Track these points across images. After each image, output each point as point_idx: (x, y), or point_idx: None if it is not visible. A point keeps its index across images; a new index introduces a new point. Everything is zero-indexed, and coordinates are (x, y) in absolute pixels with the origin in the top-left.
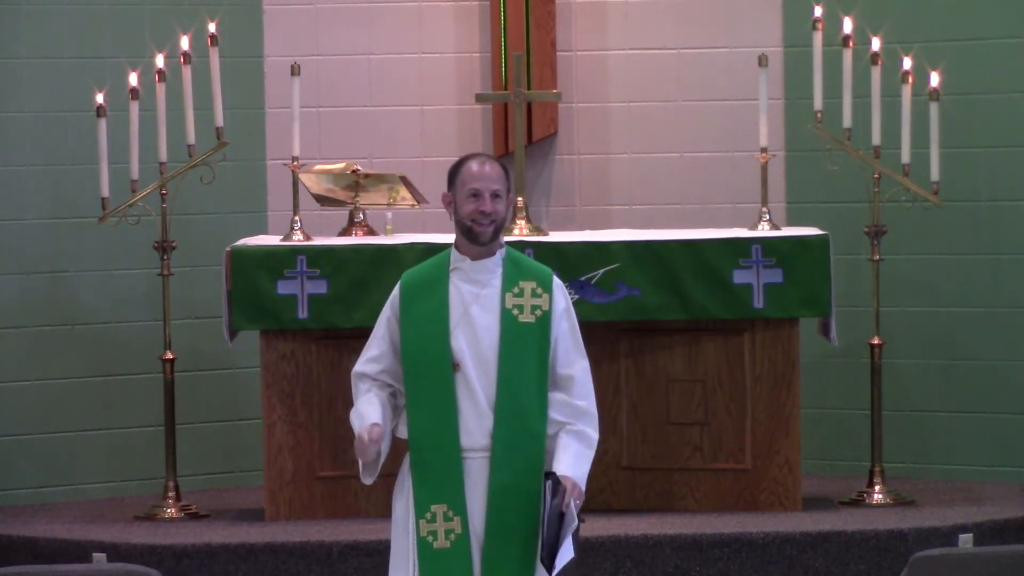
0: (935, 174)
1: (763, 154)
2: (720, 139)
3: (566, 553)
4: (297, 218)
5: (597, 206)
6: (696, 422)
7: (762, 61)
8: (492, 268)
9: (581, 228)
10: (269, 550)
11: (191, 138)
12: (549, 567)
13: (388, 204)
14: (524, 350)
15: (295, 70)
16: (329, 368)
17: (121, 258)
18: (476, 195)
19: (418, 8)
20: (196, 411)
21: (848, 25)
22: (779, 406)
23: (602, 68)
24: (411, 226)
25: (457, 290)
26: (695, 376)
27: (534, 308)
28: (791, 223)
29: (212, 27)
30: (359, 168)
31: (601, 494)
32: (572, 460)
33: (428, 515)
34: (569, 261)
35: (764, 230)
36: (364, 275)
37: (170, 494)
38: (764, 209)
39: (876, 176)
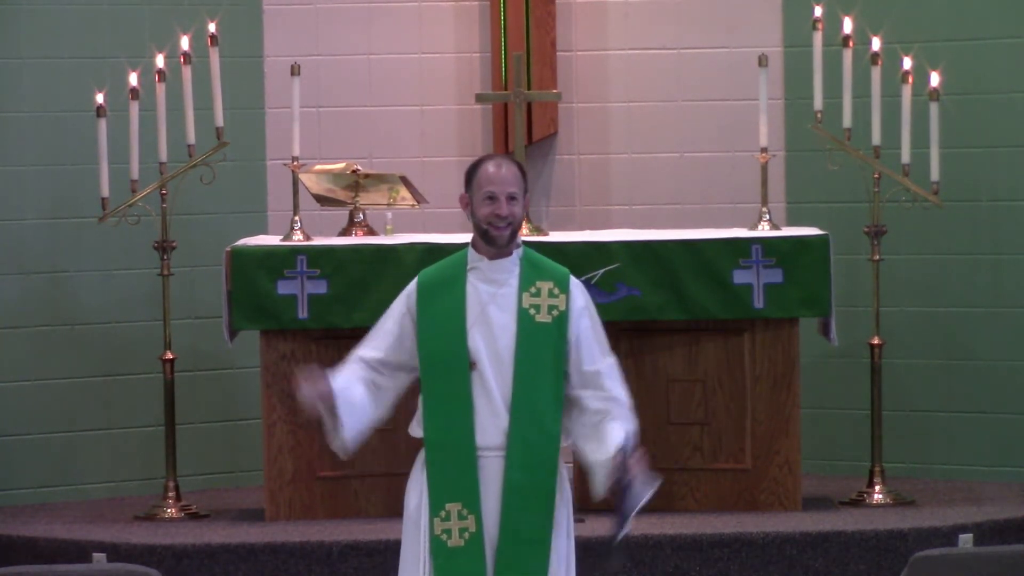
0: (935, 174)
1: (763, 154)
2: (720, 139)
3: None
4: (297, 218)
5: (597, 206)
6: (696, 422)
7: (762, 61)
8: (509, 268)
9: (581, 228)
10: (269, 550)
11: (191, 138)
12: (619, 531)
13: (388, 204)
14: (540, 350)
15: (295, 70)
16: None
17: (121, 258)
18: (492, 198)
19: (418, 8)
20: (196, 411)
21: (848, 25)
22: (779, 406)
23: (602, 68)
24: (411, 226)
25: (474, 289)
26: (695, 376)
27: (551, 308)
28: (791, 223)
29: (212, 27)
30: (359, 168)
31: None
32: (624, 435)
33: (443, 513)
34: (569, 261)
35: (764, 230)
36: (364, 275)
37: (170, 494)
38: (764, 209)
39: (876, 176)
